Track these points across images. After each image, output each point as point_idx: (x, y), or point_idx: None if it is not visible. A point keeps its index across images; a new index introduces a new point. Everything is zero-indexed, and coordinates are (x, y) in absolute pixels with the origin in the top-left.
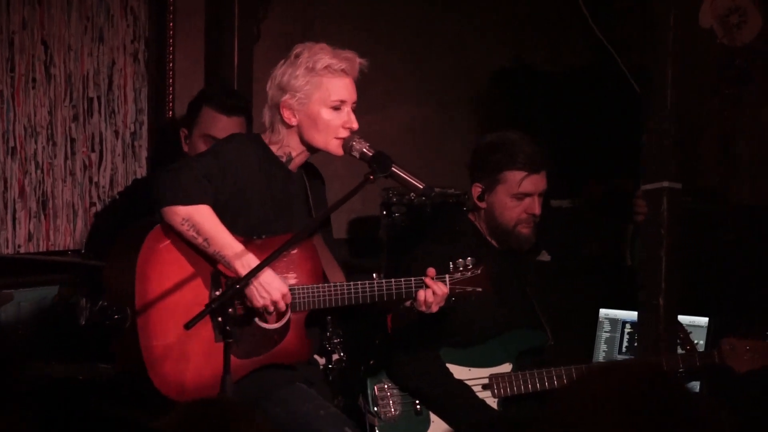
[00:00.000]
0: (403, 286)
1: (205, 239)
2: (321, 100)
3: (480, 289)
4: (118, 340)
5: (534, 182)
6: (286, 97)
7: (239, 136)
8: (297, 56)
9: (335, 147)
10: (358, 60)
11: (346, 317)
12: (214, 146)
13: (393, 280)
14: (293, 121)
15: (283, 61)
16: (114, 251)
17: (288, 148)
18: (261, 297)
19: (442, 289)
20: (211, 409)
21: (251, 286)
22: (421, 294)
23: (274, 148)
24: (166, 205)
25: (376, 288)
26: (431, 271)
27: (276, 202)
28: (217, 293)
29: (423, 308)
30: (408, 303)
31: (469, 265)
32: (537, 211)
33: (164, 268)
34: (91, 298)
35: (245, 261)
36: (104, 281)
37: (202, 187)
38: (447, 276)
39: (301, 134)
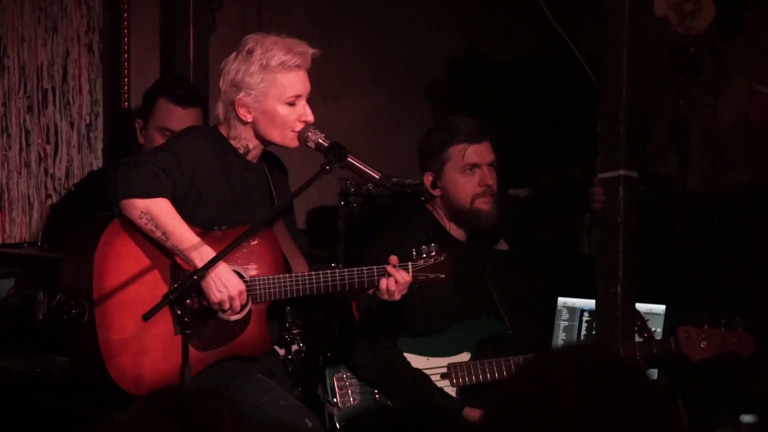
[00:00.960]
0: (365, 274)
1: (164, 233)
2: (277, 96)
3: (443, 276)
4: (75, 334)
5: (478, 152)
6: (241, 94)
7: (196, 128)
8: (249, 52)
9: (291, 140)
10: (311, 51)
11: (307, 307)
12: (171, 140)
13: (355, 269)
14: (248, 118)
15: (234, 56)
16: (71, 245)
17: (245, 140)
18: (218, 291)
19: (404, 277)
20: (167, 395)
21: (208, 280)
22: (383, 282)
23: (232, 142)
24: (123, 198)
25: (338, 277)
26: (393, 258)
27: (235, 193)
28: (177, 285)
29: (386, 296)
30: (371, 291)
31: (432, 252)
32: (490, 181)
33: (122, 263)
34: (49, 292)
35: (202, 254)
36: (61, 275)
37: (160, 180)
38: (410, 263)
39: (257, 129)
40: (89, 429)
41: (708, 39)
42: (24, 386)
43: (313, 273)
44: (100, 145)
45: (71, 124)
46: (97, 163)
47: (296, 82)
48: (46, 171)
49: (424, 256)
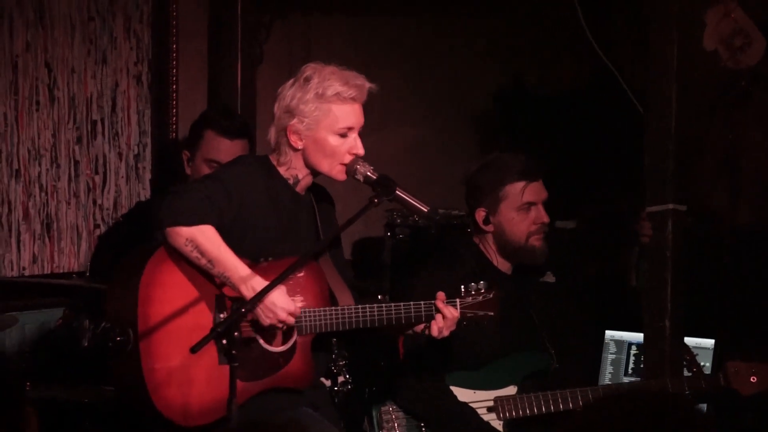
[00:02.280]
0: (412, 310)
1: (209, 260)
2: (329, 126)
3: (491, 314)
4: (120, 362)
5: (535, 190)
6: (294, 121)
7: (245, 158)
8: (307, 80)
9: (338, 172)
10: (368, 85)
11: (353, 340)
12: (221, 169)
13: (402, 304)
14: (299, 145)
15: (291, 82)
16: (116, 274)
17: (294, 170)
18: (267, 317)
19: (452, 313)
20: None
21: (257, 309)
22: (433, 322)
23: (281, 170)
24: (169, 226)
25: (384, 312)
26: (441, 294)
27: (282, 224)
28: (222, 316)
29: (434, 333)
30: (420, 327)
31: (481, 289)
32: (545, 219)
33: (166, 291)
34: (94, 320)
35: (250, 283)
36: (106, 303)
37: (205, 207)
38: (458, 300)
39: (306, 158)
40: None
41: (759, 72)
42: (71, 416)
43: (359, 306)
44: (148, 176)
45: (119, 154)
46: (145, 194)
47: (350, 114)
48: (94, 201)
49: (473, 293)
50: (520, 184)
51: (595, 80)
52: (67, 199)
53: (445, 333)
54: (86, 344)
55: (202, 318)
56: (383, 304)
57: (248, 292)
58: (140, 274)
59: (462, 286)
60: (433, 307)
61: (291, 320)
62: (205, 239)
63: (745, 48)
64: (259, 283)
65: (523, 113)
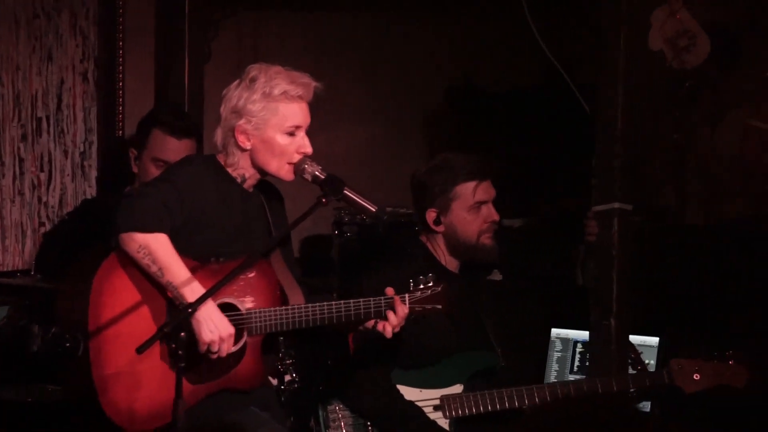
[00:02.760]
0: (362, 307)
1: (159, 268)
2: (277, 125)
3: (439, 306)
4: (70, 368)
5: (485, 189)
6: (242, 121)
7: (194, 158)
8: (253, 80)
9: (287, 172)
10: (314, 84)
11: (302, 339)
12: (171, 170)
13: (352, 301)
14: (247, 145)
15: (237, 83)
16: (67, 278)
17: (242, 170)
18: (209, 331)
19: (403, 309)
20: None
21: (199, 318)
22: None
23: (229, 170)
24: (124, 232)
25: (334, 310)
26: (389, 290)
27: (234, 223)
28: (171, 318)
29: (387, 333)
30: (370, 324)
31: (429, 282)
32: (496, 217)
33: (118, 297)
34: (44, 324)
35: (195, 291)
36: (57, 308)
37: (160, 215)
38: (407, 294)
39: (254, 158)
40: None
41: (704, 73)
42: (17, 416)
43: (310, 305)
44: (94, 174)
45: (65, 152)
46: (91, 192)
47: (297, 113)
48: (39, 199)
49: (421, 287)
50: (472, 184)
51: (544, 80)
52: (12, 197)
53: (396, 330)
54: (35, 349)
55: (154, 324)
56: (333, 302)
57: (193, 299)
58: (92, 279)
59: (410, 280)
60: (383, 303)
61: (224, 347)
62: (158, 247)
63: (690, 48)
64: (202, 291)
65: (473, 112)
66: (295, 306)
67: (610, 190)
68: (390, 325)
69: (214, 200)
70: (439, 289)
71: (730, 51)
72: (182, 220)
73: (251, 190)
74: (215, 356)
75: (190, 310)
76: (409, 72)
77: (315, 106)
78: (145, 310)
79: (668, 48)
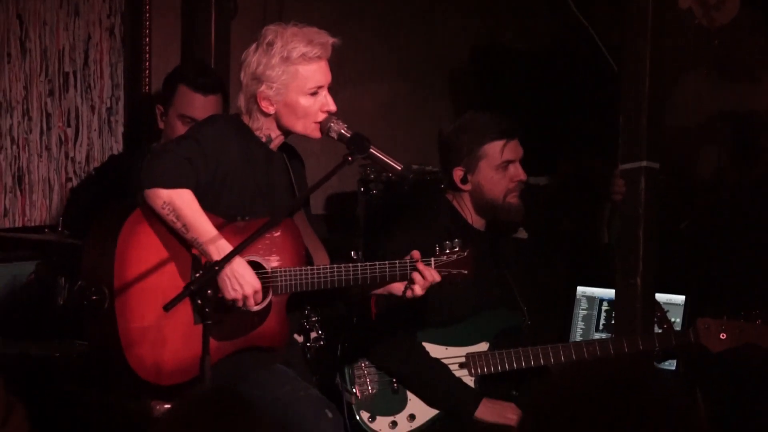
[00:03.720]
0: (387, 269)
1: (184, 224)
2: (298, 88)
3: (465, 272)
4: (95, 321)
5: (513, 148)
6: (263, 87)
7: (219, 118)
8: (270, 44)
9: (313, 130)
10: (331, 40)
11: (326, 298)
12: (195, 128)
13: (378, 263)
14: (271, 110)
15: (254, 47)
16: (93, 233)
17: (267, 131)
18: (233, 289)
19: (431, 274)
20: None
21: (224, 276)
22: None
23: (256, 131)
24: (148, 188)
25: (360, 271)
26: (416, 253)
27: (258, 183)
28: (198, 275)
29: (409, 293)
30: (400, 288)
31: (455, 248)
32: (523, 176)
33: (143, 252)
34: (70, 277)
35: (220, 248)
36: (82, 262)
37: (185, 170)
38: (432, 259)
39: (279, 121)
40: (107, 415)
41: (733, 31)
42: (43, 371)
43: (335, 266)
44: (120, 130)
45: (92, 108)
46: (118, 147)
47: (317, 73)
48: (66, 155)
49: (447, 251)
50: (500, 143)
51: (570, 37)
52: (39, 152)
53: (421, 293)
54: (61, 302)
55: (178, 279)
56: (359, 264)
57: (218, 257)
58: (117, 234)
59: (436, 245)
60: (408, 267)
61: (251, 302)
62: (182, 203)
63: (719, 6)
64: (229, 248)
65: (498, 70)
66: (321, 267)
67: (637, 148)
68: (417, 288)
69: (239, 159)
70: (465, 254)
71: (759, 11)
72: (207, 177)
73: (275, 150)
74: (244, 309)
75: (216, 267)
76: (434, 29)
77: (339, 64)
78: (170, 266)
79: (697, 5)
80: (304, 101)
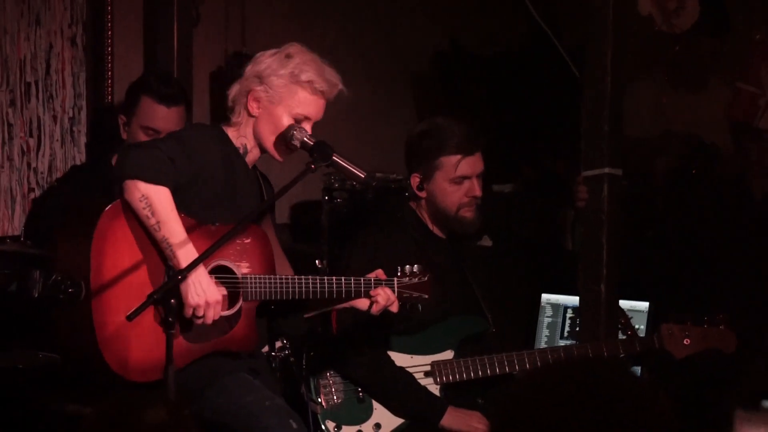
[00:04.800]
0: (353, 285)
1: (158, 222)
2: (288, 107)
3: (426, 296)
4: (70, 315)
5: (470, 164)
6: (260, 88)
7: (202, 125)
8: (288, 56)
9: (281, 153)
10: (340, 86)
11: (289, 311)
12: (181, 132)
13: (344, 278)
14: (255, 112)
15: (272, 52)
16: (67, 227)
17: (244, 138)
18: (196, 294)
19: (390, 295)
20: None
21: (188, 281)
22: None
23: (232, 135)
24: (129, 178)
25: (326, 284)
26: (380, 272)
27: (234, 190)
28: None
29: (375, 308)
30: (362, 303)
31: (416, 272)
32: (478, 192)
33: (119, 246)
34: (45, 271)
35: (187, 252)
36: (57, 255)
37: (167, 168)
38: (395, 279)
39: (256, 127)
40: (70, 425)
41: (692, 36)
42: (7, 382)
43: (303, 277)
44: (83, 139)
45: (54, 118)
46: (81, 157)
47: (311, 105)
48: (28, 165)
49: (408, 275)
50: (456, 158)
51: (532, 42)
52: (1, 163)
53: (378, 311)
54: (36, 295)
55: (154, 275)
56: (325, 277)
57: (184, 261)
58: (94, 228)
59: (398, 267)
60: (373, 284)
61: (210, 313)
62: (158, 200)
63: (678, 12)
64: (195, 254)
65: (461, 75)
66: (290, 276)
67: (599, 154)
68: (379, 307)
69: (218, 165)
70: (426, 278)
71: (719, 15)
72: (186, 179)
73: (250, 166)
74: (200, 321)
75: (180, 276)
76: (396, 35)
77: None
78: (147, 262)
79: (657, 11)
80: (286, 121)
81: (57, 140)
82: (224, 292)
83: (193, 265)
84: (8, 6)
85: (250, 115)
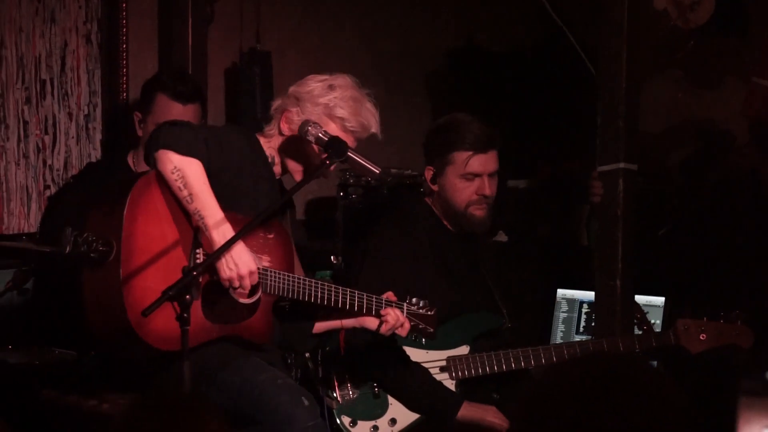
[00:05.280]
0: (365, 300)
1: (190, 194)
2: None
3: (431, 330)
4: (98, 274)
5: (482, 162)
6: (295, 109)
7: (237, 126)
8: (332, 88)
9: (298, 174)
10: (373, 129)
11: (300, 321)
12: (213, 127)
13: (357, 292)
14: (285, 130)
15: (322, 78)
16: (102, 193)
17: (273, 150)
18: (228, 269)
19: (399, 318)
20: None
21: (221, 259)
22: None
23: (264, 143)
24: (162, 148)
25: (340, 294)
26: (390, 294)
27: (258, 190)
28: (198, 252)
29: (384, 328)
30: (370, 322)
31: (423, 306)
32: (488, 191)
33: (151, 214)
34: (77, 229)
35: (222, 228)
36: (89, 218)
37: (200, 144)
38: (405, 304)
39: (283, 145)
40: (87, 422)
41: (709, 35)
42: (23, 379)
43: (321, 282)
44: (98, 136)
45: (69, 115)
46: (96, 154)
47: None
48: (44, 162)
49: (415, 306)
50: (467, 154)
51: (547, 39)
52: (17, 160)
53: (389, 332)
54: (68, 251)
55: (182, 247)
56: (340, 288)
57: (218, 237)
58: (128, 193)
59: (407, 296)
60: (384, 304)
61: (246, 282)
62: (191, 171)
63: (694, 7)
64: (230, 231)
65: (476, 72)
66: (307, 279)
67: (614, 150)
68: (388, 327)
69: (247, 164)
70: (431, 313)
71: (738, 17)
72: (217, 167)
73: (278, 176)
74: (238, 294)
75: (195, 273)
76: (411, 33)
77: (315, 66)
78: (175, 233)
79: (672, 6)
80: (310, 149)
81: (72, 137)
82: (254, 266)
83: (221, 250)
84: (23, 4)
85: (281, 133)
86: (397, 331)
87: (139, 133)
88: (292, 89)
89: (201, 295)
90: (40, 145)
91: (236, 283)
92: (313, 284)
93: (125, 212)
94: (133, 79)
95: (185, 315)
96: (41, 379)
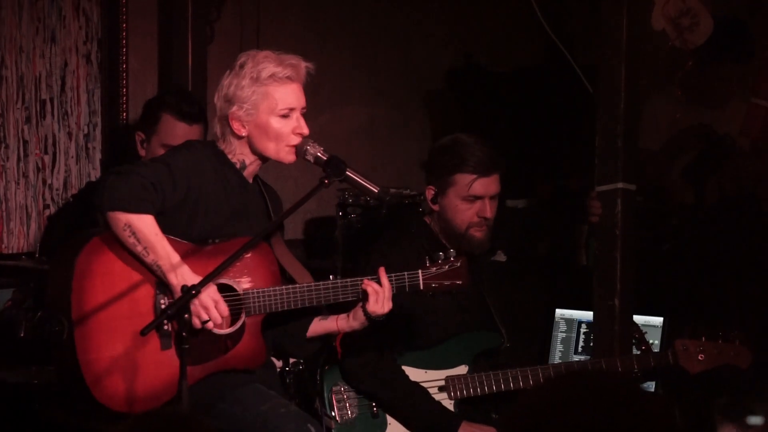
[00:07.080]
0: (349, 284)
1: (145, 247)
2: (269, 109)
3: (459, 282)
4: (58, 353)
5: (484, 185)
6: (234, 108)
7: (195, 143)
8: (241, 66)
9: (286, 154)
10: (304, 64)
11: (295, 327)
12: (168, 153)
13: (348, 279)
14: (243, 132)
15: (228, 72)
16: (54, 261)
17: (241, 155)
18: (192, 304)
19: (382, 288)
20: (161, 421)
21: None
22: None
23: (229, 154)
24: (110, 210)
25: (329, 288)
26: (382, 270)
27: (232, 208)
28: (163, 301)
29: (371, 309)
30: (360, 318)
31: (449, 257)
32: (488, 214)
33: (101, 280)
34: (31, 309)
35: (180, 272)
36: (47, 291)
37: (148, 194)
38: (420, 271)
39: (252, 144)
40: None
41: (706, 53)
42: (21, 398)
43: (305, 284)
44: (98, 156)
45: (69, 134)
46: (95, 174)
47: (288, 95)
48: (44, 181)
49: (439, 262)
50: (470, 177)
51: (546, 59)
52: (17, 179)
53: (385, 308)
54: (23, 334)
55: (140, 305)
56: (328, 282)
57: (175, 280)
58: (73, 264)
59: (427, 257)
60: (374, 281)
61: (213, 313)
62: (143, 226)
63: (692, 27)
64: (188, 273)
65: (475, 92)
66: (290, 286)
67: (613, 169)
68: (372, 303)
69: (213, 185)
70: (459, 264)
71: (744, 42)
72: (174, 202)
73: (251, 179)
74: (211, 325)
75: (194, 291)
76: (411, 52)
77: (316, 88)
78: (133, 292)
79: (671, 27)
80: (275, 123)
81: (72, 157)
82: (218, 296)
83: (205, 281)
84: (24, 24)
85: (239, 137)
86: (384, 302)
87: (141, 153)
88: (217, 101)
89: (173, 343)
90: (40, 164)
91: (204, 316)
92: (299, 289)
93: (72, 285)
94: (132, 98)
95: (184, 334)
96: (40, 398)
